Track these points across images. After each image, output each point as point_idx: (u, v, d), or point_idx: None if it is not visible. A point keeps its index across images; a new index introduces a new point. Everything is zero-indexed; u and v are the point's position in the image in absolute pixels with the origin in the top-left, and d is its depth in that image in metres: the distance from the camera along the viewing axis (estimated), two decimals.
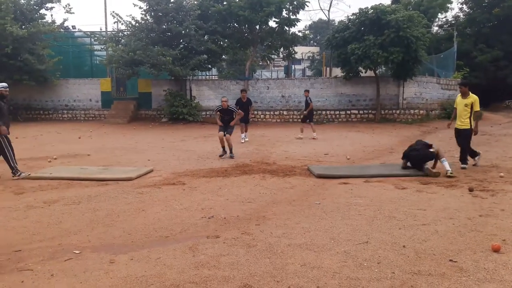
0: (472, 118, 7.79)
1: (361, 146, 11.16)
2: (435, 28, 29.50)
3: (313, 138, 12.73)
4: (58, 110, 20.30)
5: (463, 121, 7.85)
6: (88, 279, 3.31)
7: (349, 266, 3.53)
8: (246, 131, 12.55)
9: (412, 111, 18.58)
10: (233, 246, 3.99)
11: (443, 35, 28.84)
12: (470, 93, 7.91)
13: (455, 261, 3.61)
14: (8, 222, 4.86)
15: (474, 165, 8.09)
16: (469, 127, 7.82)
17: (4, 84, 7.39)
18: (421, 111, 18.66)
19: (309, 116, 13.33)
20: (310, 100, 13.44)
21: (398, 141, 12.38)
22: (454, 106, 8.24)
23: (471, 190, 6.12)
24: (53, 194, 6.11)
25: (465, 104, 7.80)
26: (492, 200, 5.62)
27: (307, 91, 13.79)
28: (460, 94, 8.08)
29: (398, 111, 18.61)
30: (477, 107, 7.79)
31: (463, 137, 7.90)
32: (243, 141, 12.06)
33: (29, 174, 7.29)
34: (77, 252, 3.87)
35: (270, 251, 3.86)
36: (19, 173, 7.24)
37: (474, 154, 8.10)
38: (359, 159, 9.28)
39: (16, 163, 7.30)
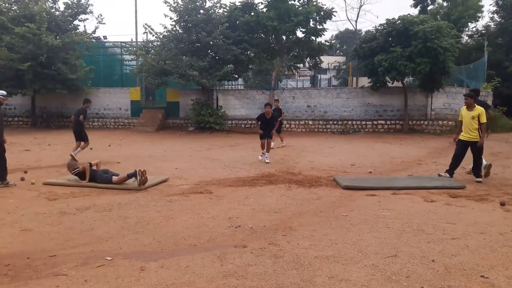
0: (481, 130, 7.62)
1: (388, 158, 11.00)
2: (465, 38, 28.84)
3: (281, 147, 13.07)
4: (89, 118, 20.89)
5: (472, 134, 7.67)
6: (119, 285, 3.41)
7: (377, 280, 3.49)
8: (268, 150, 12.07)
9: (440, 122, 18.17)
10: (260, 257, 4.02)
11: (473, 45, 28.14)
12: (476, 105, 7.74)
13: (486, 277, 3.52)
14: (43, 227, 5.06)
15: (468, 173, 8.22)
16: (479, 139, 7.63)
17: (3, 92, 7.72)
18: (450, 122, 18.20)
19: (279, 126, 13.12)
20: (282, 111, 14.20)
21: (427, 153, 12.12)
22: (459, 119, 8.03)
23: (502, 204, 5.94)
24: (85, 201, 6.32)
25: (472, 116, 7.64)
26: None
27: (277, 101, 14.92)
28: (465, 106, 7.88)
29: (426, 122, 18.24)
30: (483, 119, 7.59)
31: (475, 150, 7.71)
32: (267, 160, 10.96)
33: (15, 184, 7.35)
34: (109, 258, 4.00)
35: (297, 263, 3.87)
36: (6, 181, 7.35)
37: (478, 172, 7.85)
38: (386, 170, 9.14)
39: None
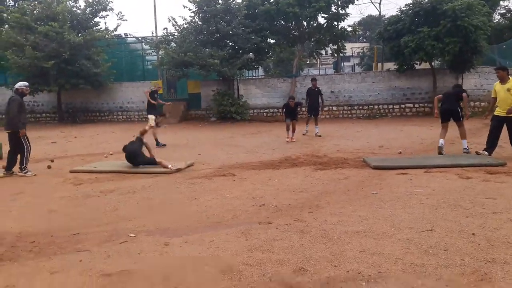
0: None
1: (418, 139, 10.55)
2: (496, 17, 27.50)
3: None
4: (113, 112, 21.28)
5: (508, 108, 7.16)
6: (143, 259, 3.32)
7: (412, 253, 3.26)
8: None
9: (472, 103, 17.33)
10: (286, 232, 3.85)
11: (505, 24, 26.79)
12: (510, 77, 7.29)
13: None
14: (68, 209, 5.06)
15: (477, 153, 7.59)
16: None
17: (26, 83, 7.73)
18: (482, 103, 17.35)
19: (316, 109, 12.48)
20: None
21: (459, 134, 11.56)
22: (492, 96, 7.58)
23: None
24: (109, 185, 6.31)
25: (508, 88, 7.18)
26: None
27: (314, 80, 13.06)
28: (498, 81, 7.44)
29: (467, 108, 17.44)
30: None
31: (510, 124, 7.23)
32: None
33: (35, 175, 7.30)
34: (132, 235, 3.93)
35: (326, 237, 3.68)
36: (26, 170, 7.33)
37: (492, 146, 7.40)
38: (416, 151, 8.76)
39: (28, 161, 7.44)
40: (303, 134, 12.11)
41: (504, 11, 28.28)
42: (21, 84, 7.64)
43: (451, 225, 3.89)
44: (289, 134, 10.89)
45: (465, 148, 8.27)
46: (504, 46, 21.89)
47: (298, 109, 11.35)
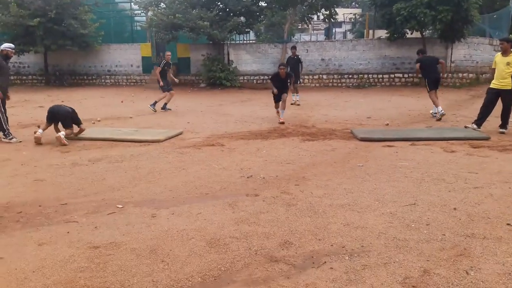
0: None
1: (406, 110, 10.62)
2: None
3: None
4: (101, 76, 20.79)
5: (503, 81, 7.17)
6: (130, 231, 3.36)
7: (395, 227, 3.36)
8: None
9: (460, 75, 17.38)
10: (273, 204, 3.92)
11: None
12: None
13: None
14: (55, 178, 5.04)
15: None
16: (511, 87, 7.14)
17: (11, 45, 7.46)
18: (471, 75, 17.42)
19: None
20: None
21: (445, 105, 11.61)
22: (493, 67, 7.53)
23: None
24: (97, 153, 6.27)
25: (507, 62, 7.12)
26: None
27: (294, 48, 12.96)
28: (500, 52, 7.38)
29: (445, 75, 17.45)
30: None
31: (506, 98, 7.25)
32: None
33: (20, 141, 7.15)
34: (120, 206, 3.95)
35: (311, 210, 3.76)
36: (11, 136, 7.20)
37: (505, 122, 7.41)
38: (403, 122, 8.83)
39: (8, 126, 7.28)
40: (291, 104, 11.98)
41: None
42: (6, 46, 7.36)
43: (433, 199, 4.00)
44: (280, 113, 9.10)
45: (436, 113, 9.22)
46: (495, 16, 21.66)
47: (289, 81, 9.55)
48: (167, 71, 11.50)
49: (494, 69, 7.42)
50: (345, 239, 3.16)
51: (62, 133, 7.03)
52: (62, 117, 7.34)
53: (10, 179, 5.05)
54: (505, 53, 7.25)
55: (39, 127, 8.33)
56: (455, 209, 3.73)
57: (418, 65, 9.69)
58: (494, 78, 7.36)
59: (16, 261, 2.96)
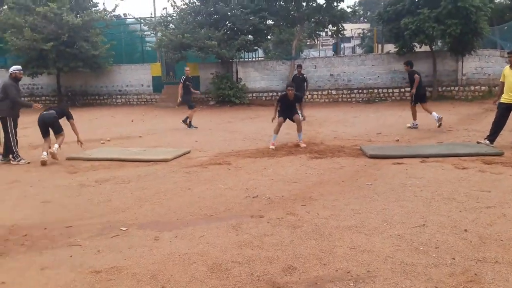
0: None
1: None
2: None
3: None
4: (112, 95, 21.14)
5: None
6: (132, 255, 3.32)
7: (403, 250, 3.25)
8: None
9: (472, 88, 17.17)
10: (278, 227, 3.85)
11: (507, 4, 26.25)
12: None
13: None
14: (62, 199, 5.06)
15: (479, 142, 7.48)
16: None
17: (19, 67, 7.66)
18: (483, 87, 17.19)
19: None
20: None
21: (457, 119, 11.50)
22: (501, 80, 7.36)
23: None
24: (105, 174, 6.30)
25: None
26: None
27: (299, 66, 13.01)
28: (508, 65, 7.22)
29: (456, 88, 17.30)
30: None
31: None
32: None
33: (29, 162, 7.26)
34: (124, 229, 3.93)
35: (317, 233, 3.67)
36: (19, 158, 7.28)
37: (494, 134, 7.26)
38: (414, 138, 8.70)
39: (17, 148, 7.38)
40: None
41: None
42: (14, 69, 7.57)
43: (443, 220, 3.87)
44: (273, 139, 8.09)
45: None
46: (506, 27, 21.47)
47: (298, 104, 9.01)
48: (189, 86, 11.66)
49: (503, 82, 7.28)
50: (350, 263, 3.07)
51: (55, 147, 7.17)
52: (50, 124, 7.50)
53: (18, 201, 5.09)
54: None
55: (49, 148, 8.46)
56: (466, 230, 3.60)
57: (418, 78, 9.87)
58: (504, 92, 7.21)
59: (18, 286, 2.95)
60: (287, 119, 8.24)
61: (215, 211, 4.40)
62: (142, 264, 3.17)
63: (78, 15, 18.12)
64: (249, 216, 4.15)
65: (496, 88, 17.24)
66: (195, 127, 11.34)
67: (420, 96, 10.03)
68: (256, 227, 3.84)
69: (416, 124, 9.95)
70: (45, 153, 7.19)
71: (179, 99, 11.54)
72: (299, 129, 8.12)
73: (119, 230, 3.91)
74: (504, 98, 7.20)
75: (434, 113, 9.56)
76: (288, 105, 8.24)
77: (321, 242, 3.47)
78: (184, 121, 11.43)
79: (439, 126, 9.41)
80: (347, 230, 3.72)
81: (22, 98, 7.62)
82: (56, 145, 7.29)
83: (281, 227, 3.83)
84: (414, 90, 9.88)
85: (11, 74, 7.47)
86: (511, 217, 3.88)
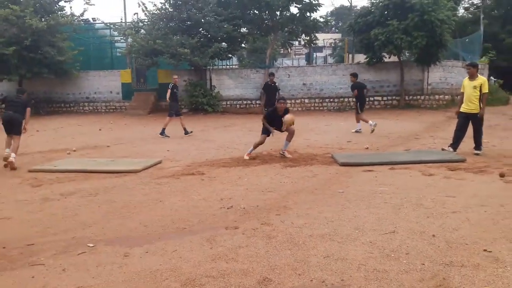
0: (481, 101, 7.32)
1: (385, 133, 10.76)
2: (460, 11, 28.28)
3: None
4: (79, 103, 20.54)
5: (472, 105, 7.37)
6: (100, 273, 3.19)
7: (375, 258, 3.29)
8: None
9: (437, 97, 17.88)
10: (252, 238, 3.81)
11: (469, 17, 27.62)
12: (479, 75, 7.50)
13: (489, 251, 3.33)
14: (23, 215, 4.80)
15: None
16: (479, 110, 7.37)
17: None
18: (446, 96, 17.94)
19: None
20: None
21: (424, 127, 11.91)
22: (461, 91, 7.74)
23: (502, 175, 5.76)
24: (70, 186, 6.07)
25: (474, 86, 7.36)
26: None
27: (272, 75, 12.73)
28: (467, 76, 7.60)
29: (422, 97, 17.95)
30: (486, 89, 7.31)
31: (475, 121, 7.45)
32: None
33: None
34: (91, 245, 3.77)
35: (291, 242, 3.66)
36: None
37: (479, 144, 7.57)
38: (383, 146, 8.92)
39: None
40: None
41: (467, 5, 29.13)
42: None
43: (413, 226, 3.96)
44: (250, 151, 7.86)
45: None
46: (467, 40, 22.55)
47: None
48: (177, 94, 11.80)
49: (463, 93, 7.63)
50: (325, 272, 3.07)
51: (13, 156, 6.96)
52: (16, 122, 7.52)
53: None
54: (472, 77, 7.48)
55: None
56: (433, 236, 3.69)
57: (356, 91, 11.33)
58: (464, 102, 7.56)
59: None
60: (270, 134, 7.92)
61: (188, 223, 4.31)
62: (111, 282, 3.04)
63: (43, 19, 17.53)
64: (224, 228, 4.09)
65: (458, 97, 18.08)
66: (167, 136, 11.19)
67: (363, 104, 11.59)
68: (231, 239, 3.79)
69: (374, 123, 10.76)
70: (13, 154, 7.18)
71: (168, 101, 11.65)
72: (289, 139, 7.82)
73: (86, 246, 3.75)
74: (463, 108, 7.56)
75: (359, 125, 11.16)
76: (276, 118, 7.85)
77: (295, 251, 3.46)
78: (186, 132, 11.50)
79: (357, 132, 11.08)
80: (320, 238, 3.74)
81: None
82: (14, 155, 7.18)
83: (256, 238, 3.80)
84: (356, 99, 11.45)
85: None
86: (475, 222, 4.02)
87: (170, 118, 11.45)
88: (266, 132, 7.92)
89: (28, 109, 7.90)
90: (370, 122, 10.77)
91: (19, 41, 16.70)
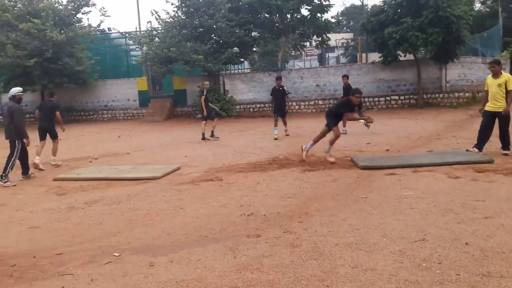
0: (508, 99, 7.07)
1: (405, 134, 10.56)
2: (477, 5, 27.67)
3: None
4: (98, 111, 20.88)
5: (498, 103, 7.14)
6: (127, 284, 3.18)
7: (406, 268, 3.19)
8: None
9: (456, 94, 17.52)
10: (276, 246, 3.75)
11: (486, 12, 27.00)
12: (502, 72, 7.26)
13: None
14: (51, 224, 4.88)
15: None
16: (503, 109, 7.11)
17: (19, 89, 7.76)
18: (467, 94, 17.56)
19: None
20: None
21: (445, 127, 11.64)
22: (485, 89, 7.52)
23: None
24: (94, 194, 6.13)
25: (499, 84, 7.11)
26: None
27: (279, 79, 12.03)
28: (491, 74, 7.37)
29: (441, 95, 17.61)
30: (511, 86, 7.04)
31: (502, 120, 7.20)
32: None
33: (14, 185, 7.03)
34: (116, 255, 3.77)
35: (316, 252, 3.59)
36: (6, 180, 7.03)
37: (507, 143, 7.31)
38: (404, 147, 8.74)
39: (11, 171, 7.19)
40: (275, 139, 10.88)
41: None
42: (17, 90, 7.59)
43: (443, 233, 3.83)
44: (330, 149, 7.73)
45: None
46: (486, 35, 22.03)
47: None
48: (208, 100, 11.94)
49: (487, 91, 7.43)
50: (354, 284, 2.99)
51: (52, 158, 7.99)
52: (49, 128, 8.85)
53: (4, 227, 4.89)
54: (496, 75, 7.26)
55: (35, 167, 8.22)
56: (467, 243, 3.56)
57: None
58: (489, 100, 7.35)
59: None
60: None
61: (210, 231, 4.28)
62: None
63: (62, 31, 17.92)
64: (246, 236, 4.04)
65: (480, 94, 17.67)
66: (217, 138, 11.67)
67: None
68: (254, 247, 3.74)
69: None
70: (38, 157, 7.96)
71: (205, 111, 11.55)
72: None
73: (111, 256, 3.76)
74: (488, 106, 7.33)
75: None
76: (344, 111, 7.83)
77: (321, 261, 3.39)
78: (212, 135, 11.74)
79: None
80: (347, 247, 3.65)
81: None
82: (38, 158, 8.13)
83: (279, 246, 3.74)
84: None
85: (14, 96, 7.43)
86: (510, 228, 3.87)
87: (207, 122, 11.67)
88: (334, 124, 7.71)
89: (57, 113, 8.79)
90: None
91: (40, 53, 17.11)
